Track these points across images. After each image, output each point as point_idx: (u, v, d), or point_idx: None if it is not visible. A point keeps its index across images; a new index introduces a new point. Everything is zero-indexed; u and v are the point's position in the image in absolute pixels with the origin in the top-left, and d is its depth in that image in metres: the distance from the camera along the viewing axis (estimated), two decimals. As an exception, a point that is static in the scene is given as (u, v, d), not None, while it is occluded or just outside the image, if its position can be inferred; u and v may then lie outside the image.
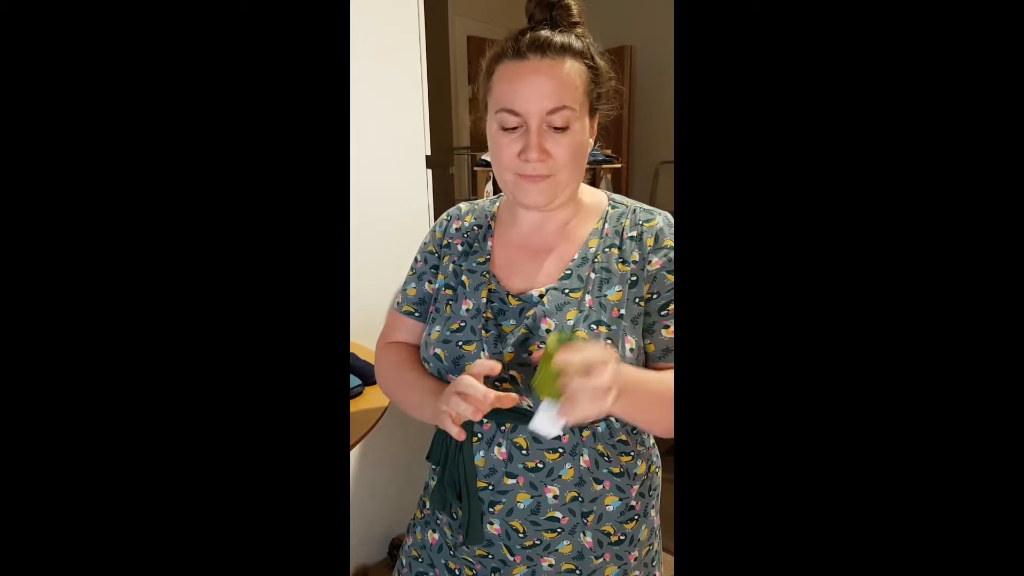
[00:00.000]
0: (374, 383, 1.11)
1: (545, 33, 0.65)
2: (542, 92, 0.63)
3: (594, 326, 0.65)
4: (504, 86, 0.65)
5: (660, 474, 0.79)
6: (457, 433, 0.62)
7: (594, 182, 1.79)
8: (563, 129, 0.64)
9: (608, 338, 0.65)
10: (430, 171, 1.64)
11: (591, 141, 0.70)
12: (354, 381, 1.06)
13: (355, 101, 1.44)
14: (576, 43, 0.65)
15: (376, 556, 1.75)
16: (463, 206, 0.83)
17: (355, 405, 1.03)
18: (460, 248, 0.78)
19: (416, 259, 0.82)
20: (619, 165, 1.82)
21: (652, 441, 0.77)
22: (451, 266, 0.76)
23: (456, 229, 0.80)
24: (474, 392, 0.59)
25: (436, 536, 0.78)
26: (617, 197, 0.75)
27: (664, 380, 0.63)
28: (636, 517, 0.72)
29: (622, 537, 0.71)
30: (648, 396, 0.62)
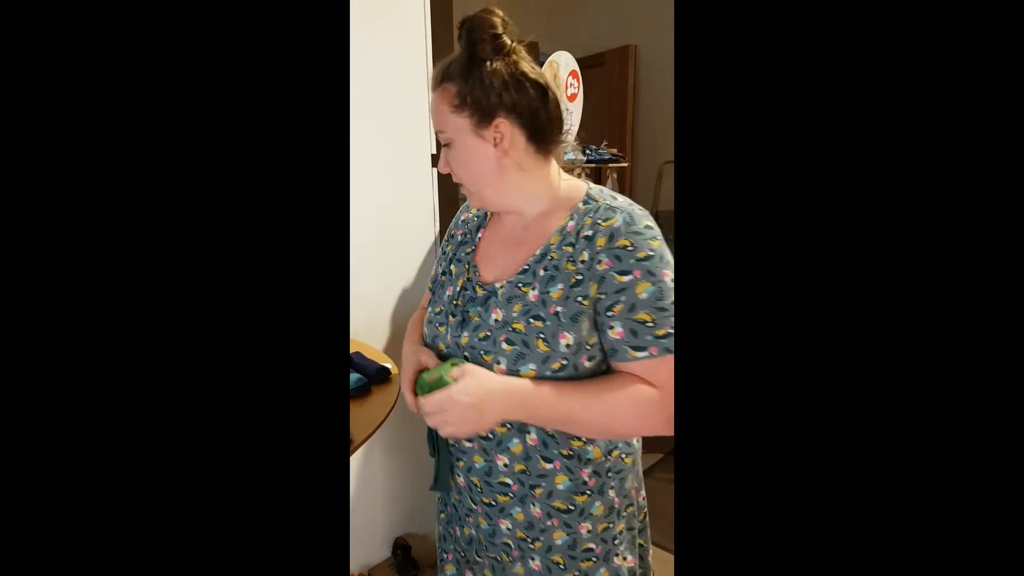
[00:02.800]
0: (380, 382, 1.11)
1: (436, 71, 0.76)
2: (433, 120, 0.76)
3: (532, 320, 0.70)
4: None
5: (630, 459, 0.81)
6: (409, 402, 0.75)
7: (599, 181, 1.79)
8: (448, 145, 0.75)
9: (541, 333, 0.69)
10: (435, 170, 1.64)
11: (500, 145, 0.73)
12: (361, 380, 1.06)
13: (362, 101, 1.44)
14: (452, 67, 0.73)
15: (380, 556, 1.75)
16: None
17: (362, 405, 1.03)
18: (459, 239, 0.86)
19: (442, 245, 0.94)
20: (625, 164, 1.82)
21: None
22: (451, 254, 0.86)
23: (463, 220, 0.88)
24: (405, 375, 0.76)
25: (441, 528, 0.92)
26: (595, 192, 0.76)
27: (567, 401, 0.68)
28: (589, 492, 0.76)
29: (571, 508, 0.76)
30: (549, 421, 0.70)
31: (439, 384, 0.67)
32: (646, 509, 0.88)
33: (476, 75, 0.71)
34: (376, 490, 1.70)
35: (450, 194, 1.70)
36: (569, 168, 1.73)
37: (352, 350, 1.19)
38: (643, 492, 0.87)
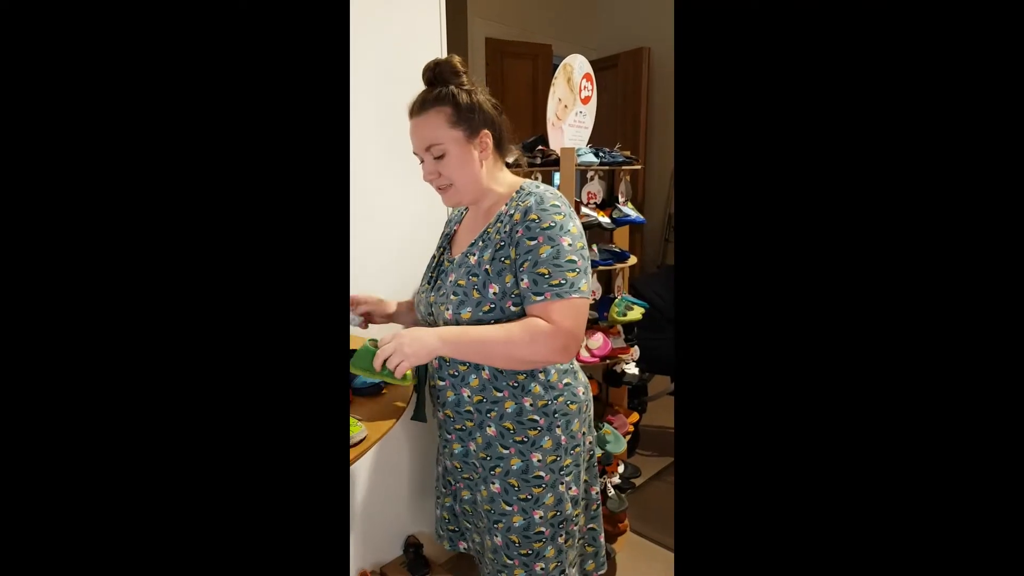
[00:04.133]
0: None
1: (418, 99, 1.00)
2: (419, 138, 0.99)
3: (470, 276, 0.97)
4: (410, 137, 1.01)
5: (575, 406, 1.05)
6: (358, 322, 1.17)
7: (613, 183, 1.79)
8: (441, 156, 0.98)
9: (475, 285, 0.96)
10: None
11: (483, 152, 1.00)
12: (372, 380, 1.07)
13: (377, 102, 1.45)
14: (441, 93, 0.97)
15: (392, 554, 1.76)
16: None
17: (375, 403, 1.05)
18: (445, 230, 1.17)
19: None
20: (639, 167, 1.82)
21: (569, 381, 1.04)
22: (439, 242, 1.16)
23: (450, 218, 1.19)
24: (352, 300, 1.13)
25: (440, 469, 1.18)
26: (528, 184, 1.02)
27: (479, 331, 0.93)
28: (539, 428, 1.01)
29: (524, 439, 1.01)
30: (466, 343, 0.92)
31: (371, 351, 0.93)
32: (593, 451, 1.14)
33: (465, 101, 0.97)
34: (388, 488, 1.71)
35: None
36: (583, 170, 1.74)
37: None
38: (591, 437, 1.13)
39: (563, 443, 1.03)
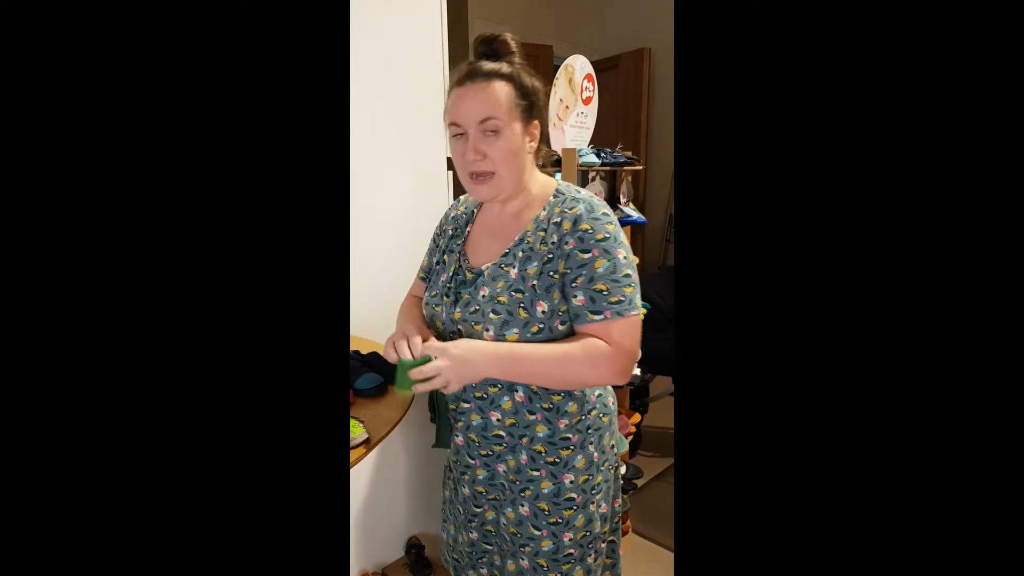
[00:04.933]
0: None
1: (479, 64, 0.87)
2: (475, 107, 0.85)
3: (514, 293, 0.86)
4: (452, 105, 0.87)
5: (607, 418, 0.98)
6: (384, 352, 0.89)
7: (614, 184, 1.79)
8: (494, 133, 0.85)
9: (522, 303, 0.85)
10: (451, 172, 1.66)
11: (531, 144, 0.90)
12: (378, 379, 1.08)
13: (380, 104, 1.46)
14: (504, 68, 0.86)
15: (394, 555, 1.76)
16: (461, 198, 1.07)
17: (379, 404, 1.05)
18: (450, 232, 1.02)
19: (432, 238, 1.09)
20: (640, 167, 1.82)
21: (600, 392, 0.97)
22: (443, 246, 1.01)
23: (452, 217, 1.05)
24: (399, 344, 0.86)
25: (448, 492, 1.08)
26: (563, 187, 0.92)
27: (533, 353, 0.83)
28: (571, 447, 0.92)
29: (556, 460, 0.92)
30: (519, 368, 0.84)
31: (424, 361, 0.82)
32: (618, 462, 1.05)
33: (528, 84, 0.88)
34: (390, 489, 1.71)
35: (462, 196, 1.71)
36: (585, 170, 1.74)
37: (369, 351, 1.20)
38: (618, 448, 1.03)
39: (595, 460, 0.95)
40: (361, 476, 1.63)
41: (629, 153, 1.78)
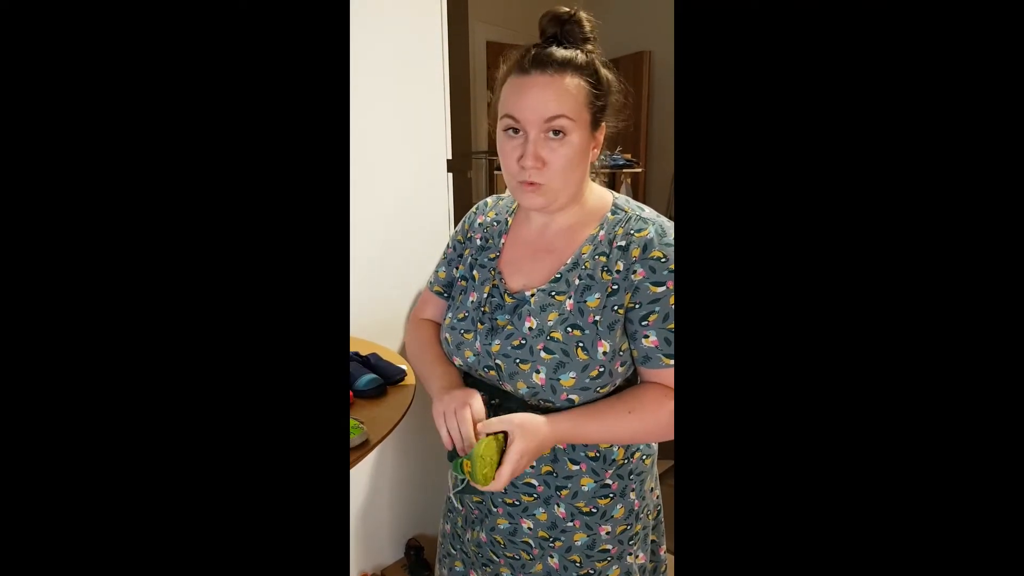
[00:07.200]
0: (395, 383, 1.12)
1: (548, 50, 0.68)
2: (540, 102, 0.67)
3: (570, 329, 0.71)
4: (509, 96, 0.70)
5: (649, 461, 0.84)
6: (445, 440, 0.71)
7: (613, 186, 1.79)
8: (560, 135, 0.68)
9: (580, 342, 0.70)
10: (451, 175, 1.66)
11: (595, 151, 0.74)
12: (377, 380, 1.08)
13: (380, 106, 1.46)
14: (579, 58, 0.69)
15: (393, 557, 1.76)
16: (489, 200, 0.90)
17: (378, 406, 1.05)
18: (479, 243, 0.85)
19: (448, 245, 0.91)
20: (639, 169, 1.83)
21: None
22: (469, 259, 0.84)
23: (479, 223, 0.87)
24: (463, 426, 0.69)
25: (448, 527, 0.93)
26: (621, 201, 0.78)
27: (600, 417, 0.70)
28: (611, 495, 0.78)
29: (594, 510, 0.78)
30: (585, 436, 0.72)
31: (498, 442, 0.67)
32: (660, 506, 0.89)
33: (601, 79, 0.71)
34: (389, 491, 1.71)
35: (464, 198, 1.72)
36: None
37: (369, 351, 1.20)
38: (657, 491, 0.88)
39: (635, 508, 0.81)
40: (361, 477, 1.63)
41: (629, 156, 1.78)
